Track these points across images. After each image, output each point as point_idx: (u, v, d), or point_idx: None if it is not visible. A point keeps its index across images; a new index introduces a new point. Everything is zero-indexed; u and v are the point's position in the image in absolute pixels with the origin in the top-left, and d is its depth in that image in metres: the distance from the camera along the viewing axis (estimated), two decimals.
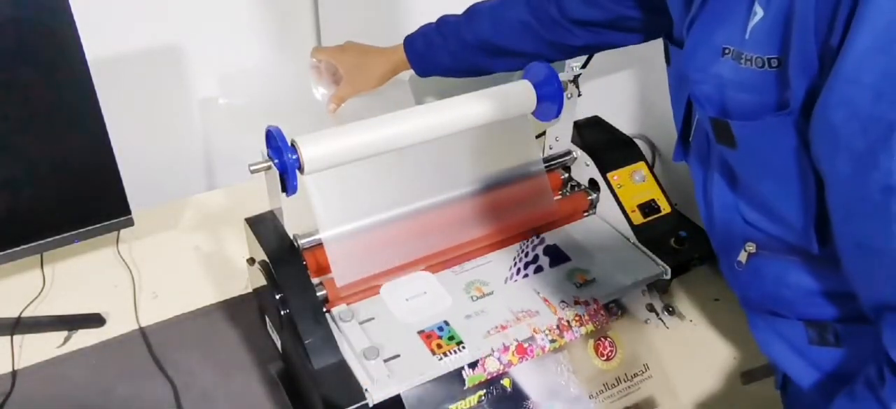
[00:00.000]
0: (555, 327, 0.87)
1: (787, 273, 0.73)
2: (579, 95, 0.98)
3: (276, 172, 0.81)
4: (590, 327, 0.89)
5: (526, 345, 0.85)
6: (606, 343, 0.90)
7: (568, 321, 0.87)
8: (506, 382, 0.84)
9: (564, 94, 0.93)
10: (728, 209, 0.75)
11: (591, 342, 0.90)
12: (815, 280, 0.71)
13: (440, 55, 1.02)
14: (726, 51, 0.65)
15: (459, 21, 1.01)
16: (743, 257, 0.76)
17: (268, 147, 0.82)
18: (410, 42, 1.04)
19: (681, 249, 0.97)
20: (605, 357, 0.89)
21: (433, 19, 1.04)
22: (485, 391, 0.83)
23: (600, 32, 0.95)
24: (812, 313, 0.73)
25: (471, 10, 1.01)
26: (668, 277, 0.95)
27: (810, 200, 0.65)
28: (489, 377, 0.83)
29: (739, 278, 0.78)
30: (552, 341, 0.86)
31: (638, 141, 1.10)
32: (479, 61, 1.01)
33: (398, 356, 0.81)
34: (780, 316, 0.76)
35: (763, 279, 0.75)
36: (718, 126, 0.68)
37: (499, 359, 0.83)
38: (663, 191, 1.03)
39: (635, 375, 0.90)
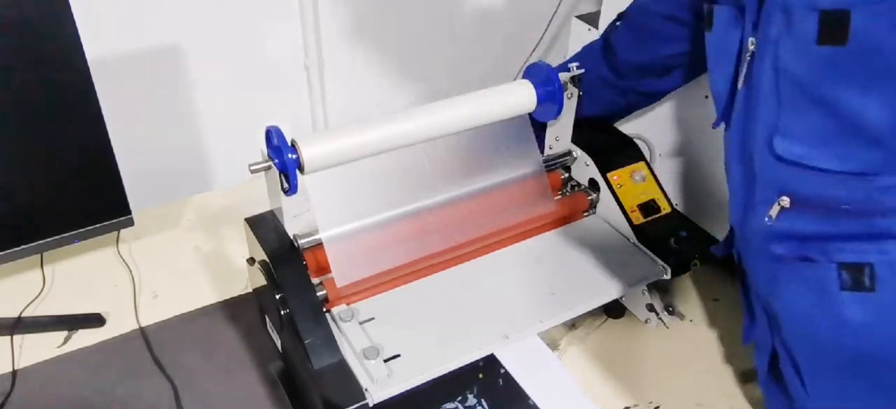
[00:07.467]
0: None
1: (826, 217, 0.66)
2: (579, 95, 0.98)
3: (276, 172, 0.81)
4: None
5: None
6: None
7: None
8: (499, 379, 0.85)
9: (564, 94, 0.93)
10: (768, 147, 0.68)
11: None
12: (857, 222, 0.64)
13: None
14: None
15: None
16: (774, 211, 0.69)
17: (268, 147, 0.82)
18: None
19: (681, 249, 0.97)
20: None
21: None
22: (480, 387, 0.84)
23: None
24: (851, 257, 0.66)
25: None
26: (668, 277, 0.95)
27: None
28: None
29: (763, 234, 0.71)
30: None
31: (638, 141, 1.10)
32: None
33: (398, 355, 0.81)
34: (810, 261, 0.68)
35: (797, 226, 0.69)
36: (830, 20, 0.59)
37: None
38: (663, 191, 1.03)
39: None
